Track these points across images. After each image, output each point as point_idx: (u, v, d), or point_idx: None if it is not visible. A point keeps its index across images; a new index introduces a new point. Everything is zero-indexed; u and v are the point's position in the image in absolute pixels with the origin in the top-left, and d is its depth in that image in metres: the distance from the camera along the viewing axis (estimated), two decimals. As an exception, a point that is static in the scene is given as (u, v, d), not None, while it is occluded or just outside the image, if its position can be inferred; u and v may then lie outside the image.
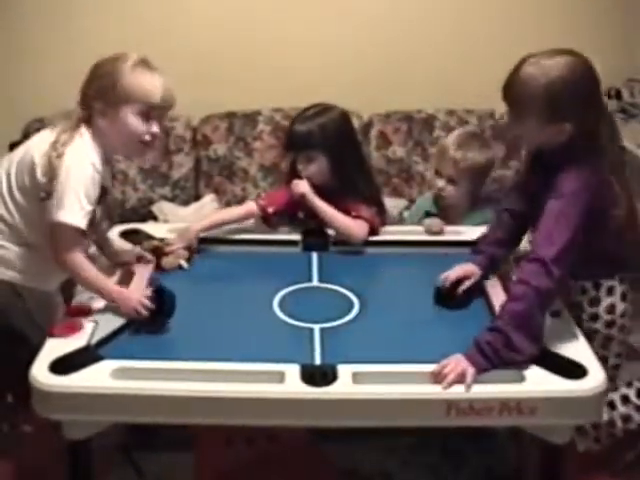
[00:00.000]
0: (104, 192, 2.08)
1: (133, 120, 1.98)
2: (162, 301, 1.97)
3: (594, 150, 1.90)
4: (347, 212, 2.43)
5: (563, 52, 1.89)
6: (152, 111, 2.00)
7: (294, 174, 2.50)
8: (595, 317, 2.07)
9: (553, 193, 1.89)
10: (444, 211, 2.65)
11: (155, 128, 2.02)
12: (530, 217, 2.08)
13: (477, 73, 3.47)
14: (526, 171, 2.20)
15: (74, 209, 1.93)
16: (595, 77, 1.90)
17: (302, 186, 2.42)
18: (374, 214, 2.45)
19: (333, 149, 2.43)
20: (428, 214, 2.64)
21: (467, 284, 2.09)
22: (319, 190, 2.46)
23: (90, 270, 2.01)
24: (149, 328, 1.95)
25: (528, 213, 2.12)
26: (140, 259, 2.24)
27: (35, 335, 2.05)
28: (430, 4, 3.44)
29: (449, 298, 2.08)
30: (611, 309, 2.08)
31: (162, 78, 2.02)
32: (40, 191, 1.98)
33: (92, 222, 2.04)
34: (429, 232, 2.46)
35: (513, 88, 1.90)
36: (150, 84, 1.99)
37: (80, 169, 1.94)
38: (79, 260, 1.98)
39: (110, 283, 2.07)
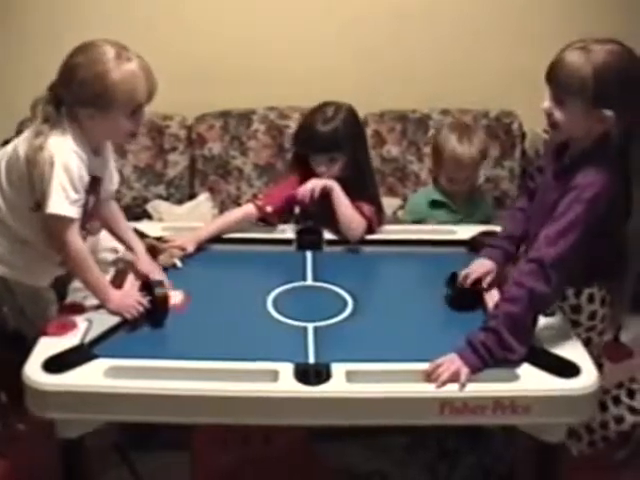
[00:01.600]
0: (96, 181, 2.07)
1: (123, 121, 1.97)
2: (154, 301, 1.97)
3: (620, 154, 1.87)
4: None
5: (611, 40, 1.86)
6: (140, 107, 1.99)
7: (299, 169, 2.51)
8: (576, 323, 2.06)
9: (571, 194, 1.86)
10: (451, 198, 2.70)
11: (142, 119, 2.03)
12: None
13: (472, 73, 3.48)
14: (532, 172, 2.21)
15: (60, 199, 1.92)
16: None
17: (330, 181, 2.41)
18: (374, 212, 2.46)
19: (351, 148, 2.45)
20: (436, 203, 2.64)
21: (489, 279, 2.08)
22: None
23: (91, 262, 2.01)
24: (143, 326, 1.95)
25: None
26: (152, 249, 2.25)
27: (29, 331, 2.06)
28: (425, 4, 3.44)
29: (468, 297, 2.07)
30: (592, 316, 2.07)
31: (141, 64, 1.97)
32: (27, 184, 1.98)
33: (85, 212, 2.04)
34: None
35: (561, 69, 1.86)
36: (134, 83, 1.94)
37: (62, 159, 1.93)
38: (80, 249, 1.98)
39: (107, 281, 2.07)
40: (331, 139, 2.42)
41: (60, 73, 1.99)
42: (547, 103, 1.91)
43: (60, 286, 2.21)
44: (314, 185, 2.40)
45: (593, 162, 1.87)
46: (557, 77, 1.87)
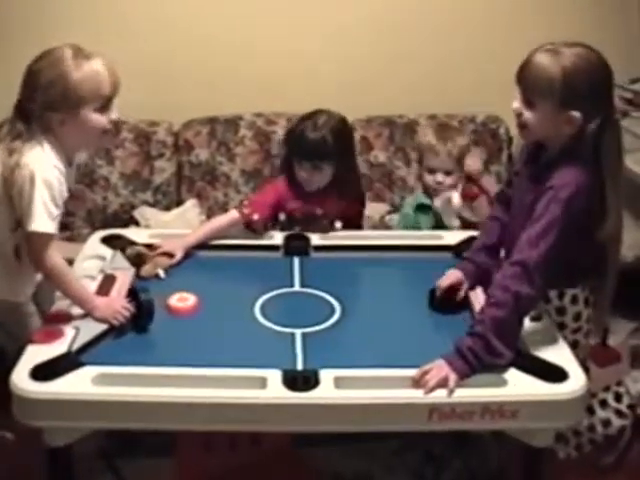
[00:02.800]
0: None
1: (94, 117, 1.96)
2: (140, 307, 1.97)
3: (594, 153, 1.89)
4: (337, 209, 2.54)
5: (580, 44, 1.90)
6: (108, 101, 1.99)
7: (290, 171, 2.54)
8: (562, 325, 2.07)
9: (547, 194, 1.88)
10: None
11: (114, 115, 2.02)
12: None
13: (459, 78, 3.48)
14: (510, 179, 2.22)
15: (43, 217, 1.91)
16: (610, 73, 1.91)
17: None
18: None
19: (337, 159, 2.48)
20: (424, 207, 2.64)
21: (462, 293, 2.10)
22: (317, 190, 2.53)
23: (71, 276, 2.01)
24: (130, 334, 1.95)
25: None
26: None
27: (8, 344, 2.05)
28: (412, 9, 3.44)
29: (443, 305, 2.09)
30: (577, 317, 2.08)
31: (100, 59, 1.98)
32: (5, 205, 1.97)
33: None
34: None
35: (530, 70, 1.89)
36: (97, 77, 1.95)
37: (43, 174, 1.92)
38: (59, 264, 1.97)
39: (90, 290, 2.06)
40: (317, 148, 2.45)
41: (23, 84, 1.98)
42: (516, 104, 1.94)
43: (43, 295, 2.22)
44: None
45: (568, 162, 1.90)
46: (526, 78, 1.91)
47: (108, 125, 2.01)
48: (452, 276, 2.12)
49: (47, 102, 1.94)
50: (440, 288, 2.09)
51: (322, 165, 2.47)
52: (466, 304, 2.09)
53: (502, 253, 2.16)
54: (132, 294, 2.03)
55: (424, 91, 3.48)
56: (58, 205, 1.95)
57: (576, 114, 1.86)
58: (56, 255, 1.97)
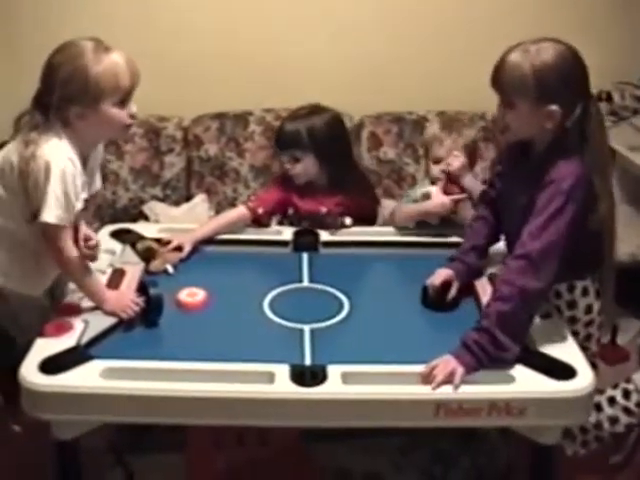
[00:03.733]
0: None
1: (114, 111, 1.95)
2: (149, 301, 1.98)
3: (581, 142, 1.90)
4: (344, 207, 2.53)
5: (548, 39, 1.91)
6: (127, 95, 1.98)
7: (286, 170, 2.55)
8: (574, 319, 2.07)
9: (549, 188, 1.88)
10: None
11: (133, 108, 2.00)
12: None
13: (468, 74, 3.46)
14: (493, 179, 2.22)
15: (55, 207, 1.91)
16: (582, 62, 1.92)
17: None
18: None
19: (321, 150, 2.47)
20: (428, 196, 2.62)
21: (453, 291, 2.10)
22: (307, 186, 2.53)
23: (85, 268, 2.02)
24: (138, 328, 1.95)
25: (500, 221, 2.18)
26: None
27: (20, 337, 2.05)
28: (421, 6, 3.44)
29: (437, 303, 2.09)
30: (588, 309, 2.07)
31: (120, 54, 1.97)
32: (22, 196, 1.96)
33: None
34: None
35: (502, 73, 1.91)
36: (117, 70, 1.94)
37: (59, 166, 1.91)
38: (74, 256, 1.97)
39: (103, 284, 2.08)
40: (291, 137, 2.48)
41: (42, 77, 1.97)
42: (497, 109, 1.97)
43: (56, 288, 2.23)
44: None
45: (562, 156, 1.90)
46: (500, 80, 1.92)
47: (128, 120, 2.00)
48: (443, 274, 2.12)
49: (66, 95, 1.92)
50: (433, 286, 2.09)
51: (298, 155, 2.48)
52: (457, 304, 2.09)
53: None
54: (142, 289, 2.03)
55: (433, 87, 3.47)
56: (72, 198, 1.94)
57: (554, 108, 1.87)
58: (71, 247, 1.97)
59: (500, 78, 1.92)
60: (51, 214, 1.91)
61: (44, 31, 3.30)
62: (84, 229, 2.14)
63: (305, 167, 2.49)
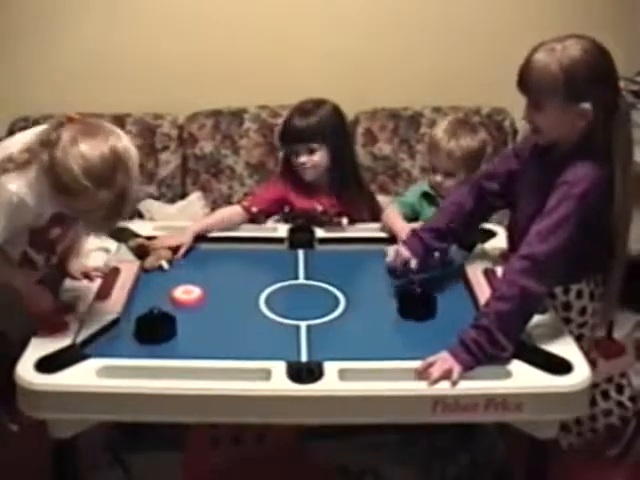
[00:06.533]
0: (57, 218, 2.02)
1: None
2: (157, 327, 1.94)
3: (607, 140, 1.87)
4: (332, 208, 2.52)
5: (571, 36, 1.88)
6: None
7: (287, 168, 2.56)
8: (568, 320, 2.06)
9: (561, 189, 1.86)
10: (443, 198, 2.63)
11: None
12: (482, 215, 2.19)
13: (464, 70, 3.47)
14: (492, 172, 2.20)
15: None
16: (609, 56, 1.89)
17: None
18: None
19: (332, 142, 2.50)
20: (427, 195, 2.60)
21: (414, 265, 2.09)
22: (306, 185, 2.54)
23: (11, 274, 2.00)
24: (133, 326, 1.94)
25: (483, 214, 2.20)
26: (86, 275, 2.18)
27: (11, 331, 2.05)
28: (416, 1, 3.44)
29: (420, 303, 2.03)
30: (583, 311, 2.07)
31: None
32: None
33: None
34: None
35: (530, 75, 1.88)
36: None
37: (8, 198, 1.87)
38: None
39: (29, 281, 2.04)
40: (309, 128, 2.48)
41: None
42: (525, 111, 1.93)
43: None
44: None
45: (582, 157, 1.88)
46: (529, 82, 1.89)
47: None
48: (403, 254, 2.12)
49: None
50: (394, 266, 2.10)
51: (316, 147, 2.48)
52: (432, 309, 2.03)
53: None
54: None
55: (429, 83, 3.47)
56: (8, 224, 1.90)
57: (586, 106, 1.85)
58: None
59: (528, 80, 1.88)
60: None
61: (40, 29, 3.31)
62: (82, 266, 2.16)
63: (320, 159, 2.50)
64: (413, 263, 2.12)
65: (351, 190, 2.57)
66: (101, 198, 1.82)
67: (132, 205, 1.92)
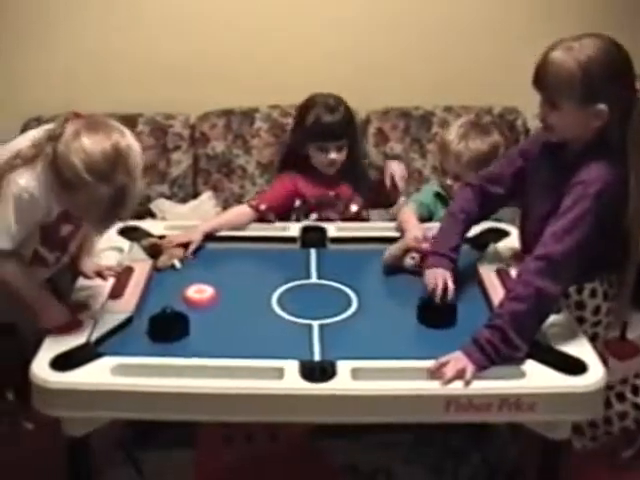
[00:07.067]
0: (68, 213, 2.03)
1: None
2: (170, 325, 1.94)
3: (621, 141, 1.86)
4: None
5: (588, 34, 1.87)
6: None
7: (293, 162, 2.58)
8: (581, 319, 2.05)
9: (576, 189, 1.85)
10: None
11: None
12: (485, 218, 2.20)
13: (475, 69, 3.47)
14: (496, 176, 2.18)
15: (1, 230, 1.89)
16: (627, 55, 1.87)
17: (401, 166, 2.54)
18: None
19: (352, 134, 2.56)
20: (438, 195, 2.60)
21: (451, 293, 2.01)
22: (314, 174, 2.57)
23: (23, 285, 1.97)
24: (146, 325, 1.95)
25: (485, 217, 2.22)
26: (99, 274, 2.18)
27: (23, 323, 2.05)
28: (428, 1, 3.43)
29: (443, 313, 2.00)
30: (596, 311, 2.07)
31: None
32: None
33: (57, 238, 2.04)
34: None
35: (546, 73, 1.87)
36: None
37: (17, 196, 1.89)
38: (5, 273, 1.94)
39: (42, 294, 2.01)
40: (339, 125, 2.50)
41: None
42: (540, 109, 1.92)
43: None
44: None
45: (596, 157, 1.87)
46: (545, 80, 1.88)
47: None
48: (443, 278, 2.04)
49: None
50: (437, 293, 1.99)
51: (344, 143, 2.52)
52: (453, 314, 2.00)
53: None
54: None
55: (441, 83, 3.47)
56: (21, 226, 1.91)
57: (602, 106, 1.84)
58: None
59: (544, 78, 1.87)
60: None
61: (53, 29, 3.32)
62: (95, 265, 2.17)
63: (344, 156, 2.53)
64: (451, 288, 2.03)
65: (359, 178, 2.61)
66: (101, 193, 1.84)
67: (133, 203, 1.92)
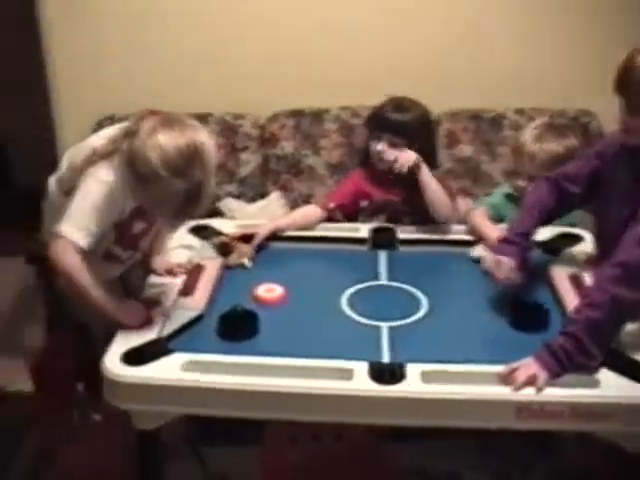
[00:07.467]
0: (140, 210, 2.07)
1: None
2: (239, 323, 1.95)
3: None
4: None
5: None
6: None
7: (368, 157, 2.57)
8: None
9: None
10: None
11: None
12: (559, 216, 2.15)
13: (548, 71, 3.41)
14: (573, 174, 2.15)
15: (75, 225, 1.92)
16: None
17: (411, 155, 2.43)
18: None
19: (416, 144, 2.48)
20: (510, 197, 2.57)
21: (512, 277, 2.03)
22: (384, 177, 2.53)
23: (85, 283, 1.94)
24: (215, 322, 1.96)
25: (560, 214, 2.18)
26: (170, 272, 2.21)
27: (94, 322, 2.09)
28: (498, 4, 3.39)
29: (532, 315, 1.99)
30: None
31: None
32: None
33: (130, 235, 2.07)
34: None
35: (630, 78, 1.84)
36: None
37: (97, 189, 1.94)
38: (69, 270, 1.93)
39: (106, 297, 1.98)
40: (398, 123, 2.48)
41: None
42: (620, 112, 1.88)
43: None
44: (407, 157, 2.42)
45: None
46: (628, 85, 1.85)
47: None
48: (504, 262, 2.05)
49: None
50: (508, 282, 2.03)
51: (397, 142, 2.48)
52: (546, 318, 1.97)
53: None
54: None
55: (512, 84, 3.42)
56: (98, 224, 1.94)
57: None
58: (68, 260, 1.92)
59: (627, 83, 1.85)
60: (69, 229, 1.91)
61: (127, 31, 3.38)
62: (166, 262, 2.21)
63: (399, 154, 2.47)
64: (515, 272, 2.05)
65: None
66: (176, 188, 1.87)
67: (207, 200, 1.94)
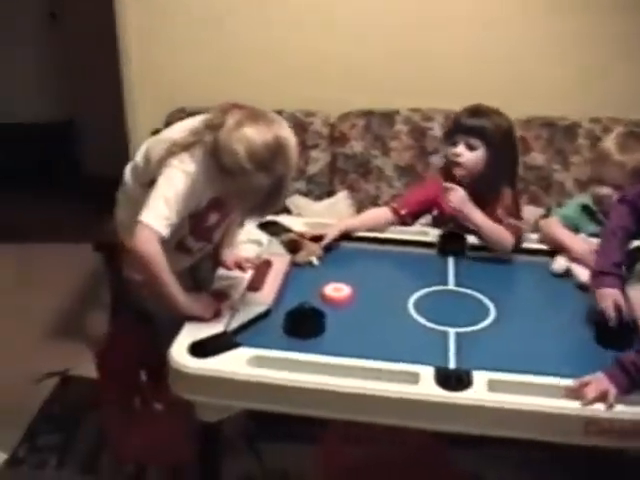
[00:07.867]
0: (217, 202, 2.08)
1: None
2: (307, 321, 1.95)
3: None
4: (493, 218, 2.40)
5: None
6: None
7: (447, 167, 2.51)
8: None
9: None
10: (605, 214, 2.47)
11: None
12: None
13: (626, 81, 3.34)
14: None
15: (158, 214, 1.92)
16: None
17: (459, 194, 2.35)
18: (519, 224, 2.40)
19: (494, 148, 2.42)
20: (586, 209, 2.51)
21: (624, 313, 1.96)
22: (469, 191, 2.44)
23: (161, 271, 1.94)
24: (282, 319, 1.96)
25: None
26: (239, 265, 2.21)
27: (159, 313, 2.11)
28: (574, 10, 3.32)
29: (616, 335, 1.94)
30: None
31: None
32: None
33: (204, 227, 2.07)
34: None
35: None
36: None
37: (180, 180, 1.94)
38: (146, 257, 1.92)
39: (178, 288, 1.98)
40: (475, 125, 2.41)
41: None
42: None
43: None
44: (455, 196, 2.35)
45: None
46: None
47: None
48: (614, 297, 1.98)
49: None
50: (612, 317, 1.94)
51: (475, 143, 2.41)
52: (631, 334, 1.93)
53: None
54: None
55: (588, 93, 3.36)
56: (177, 213, 1.94)
57: None
58: (147, 245, 1.92)
59: None
60: (151, 218, 1.91)
61: (203, 24, 3.41)
62: (235, 256, 2.22)
63: (475, 159, 2.41)
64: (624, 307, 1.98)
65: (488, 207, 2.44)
66: (260, 181, 1.89)
67: (288, 194, 1.94)
